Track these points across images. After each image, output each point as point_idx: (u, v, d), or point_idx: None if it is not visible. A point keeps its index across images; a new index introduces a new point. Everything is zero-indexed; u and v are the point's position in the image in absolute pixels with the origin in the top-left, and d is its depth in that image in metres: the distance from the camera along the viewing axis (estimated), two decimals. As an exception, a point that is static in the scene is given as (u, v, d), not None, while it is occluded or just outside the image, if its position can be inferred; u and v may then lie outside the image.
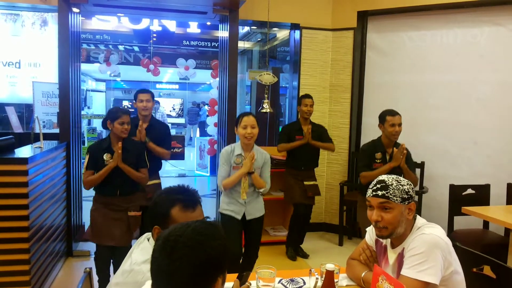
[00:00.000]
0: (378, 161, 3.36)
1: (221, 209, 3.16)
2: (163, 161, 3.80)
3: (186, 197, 1.59)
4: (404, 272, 1.54)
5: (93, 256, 3.20)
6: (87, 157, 3.01)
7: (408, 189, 1.60)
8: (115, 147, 2.97)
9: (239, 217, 3.08)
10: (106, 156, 2.96)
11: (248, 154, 3.01)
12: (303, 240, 4.30)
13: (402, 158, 3.21)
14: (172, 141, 5.99)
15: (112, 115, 2.96)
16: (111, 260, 3.12)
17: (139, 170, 3.08)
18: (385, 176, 1.65)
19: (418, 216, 1.67)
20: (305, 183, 4.07)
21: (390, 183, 1.60)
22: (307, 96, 4.08)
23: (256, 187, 3.11)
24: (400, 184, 1.60)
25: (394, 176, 1.64)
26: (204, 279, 1.03)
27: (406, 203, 1.59)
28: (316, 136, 4.01)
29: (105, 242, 3.03)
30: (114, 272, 3.05)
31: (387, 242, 1.73)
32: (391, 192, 1.58)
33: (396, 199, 1.58)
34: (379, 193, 1.59)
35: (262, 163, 3.11)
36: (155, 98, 3.81)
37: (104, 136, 6.67)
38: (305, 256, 4.19)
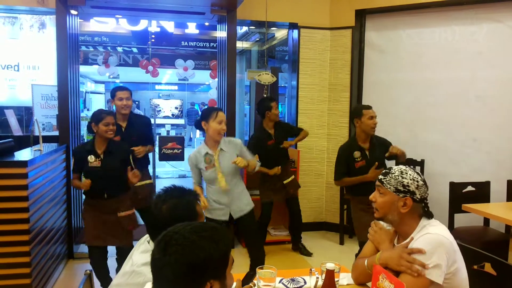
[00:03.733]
0: (358, 159, 3.29)
1: (206, 213, 3.09)
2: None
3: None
4: None
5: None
6: (72, 160, 3.08)
7: (407, 183, 1.60)
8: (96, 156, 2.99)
9: (225, 218, 3.06)
10: (90, 158, 2.98)
11: (216, 151, 2.97)
12: (301, 237, 4.30)
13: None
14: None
15: (96, 117, 2.99)
16: (116, 259, 3.17)
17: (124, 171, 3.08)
18: (400, 166, 1.67)
19: (423, 218, 1.65)
20: (285, 182, 4.06)
21: (393, 172, 1.65)
22: (273, 99, 4.08)
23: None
24: (401, 176, 1.62)
25: (406, 168, 1.65)
26: (192, 280, 1.02)
27: (401, 195, 1.61)
28: (284, 133, 4.05)
29: (97, 244, 3.06)
30: (119, 268, 3.08)
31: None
32: (387, 179, 1.64)
33: (389, 187, 1.62)
34: (380, 177, 1.67)
35: (239, 151, 3.06)
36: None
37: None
38: (308, 254, 4.19)
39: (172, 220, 1.49)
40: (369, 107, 3.35)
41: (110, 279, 3.11)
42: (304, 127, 4.86)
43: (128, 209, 3.10)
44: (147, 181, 3.61)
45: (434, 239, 1.54)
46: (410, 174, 1.62)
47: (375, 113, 3.32)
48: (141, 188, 3.49)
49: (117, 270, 3.08)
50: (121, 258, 3.14)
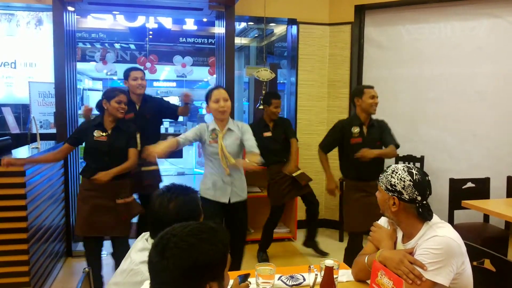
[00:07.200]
0: (356, 135, 3.22)
1: (202, 193, 2.89)
2: (161, 159, 3.71)
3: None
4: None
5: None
6: (74, 131, 2.96)
7: (394, 183, 1.59)
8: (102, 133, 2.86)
9: (225, 200, 2.88)
10: (96, 133, 2.85)
11: (223, 130, 2.84)
12: (316, 235, 4.21)
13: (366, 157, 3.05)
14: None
15: (109, 93, 2.86)
16: (112, 253, 3.07)
17: (128, 151, 2.93)
18: (397, 165, 1.66)
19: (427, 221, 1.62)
20: (294, 174, 3.90)
21: (386, 170, 1.66)
22: (277, 96, 3.92)
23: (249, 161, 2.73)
24: (391, 175, 1.62)
25: (401, 166, 1.63)
26: (190, 283, 1.00)
27: (390, 194, 1.61)
28: (281, 130, 3.93)
29: (91, 233, 2.90)
30: (116, 265, 3.03)
31: (398, 235, 1.73)
32: (381, 177, 1.67)
33: (382, 185, 1.65)
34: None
35: (242, 133, 2.89)
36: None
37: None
38: (323, 253, 4.11)
39: (179, 217, 1.49)
40: (371, 87, 3.28)
41: (101, 277, 3.06)
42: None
43: (127, 196, 2.94)
44: (154, 167, 3.45)
45: (443, 242, 1.51)
46: (399, 174, 1.59)
47: (377, 93, 3.25)
48: (148, 173, 3.34)
49: (115, 268, 3.07)
50: (115, 251, 3.01)
